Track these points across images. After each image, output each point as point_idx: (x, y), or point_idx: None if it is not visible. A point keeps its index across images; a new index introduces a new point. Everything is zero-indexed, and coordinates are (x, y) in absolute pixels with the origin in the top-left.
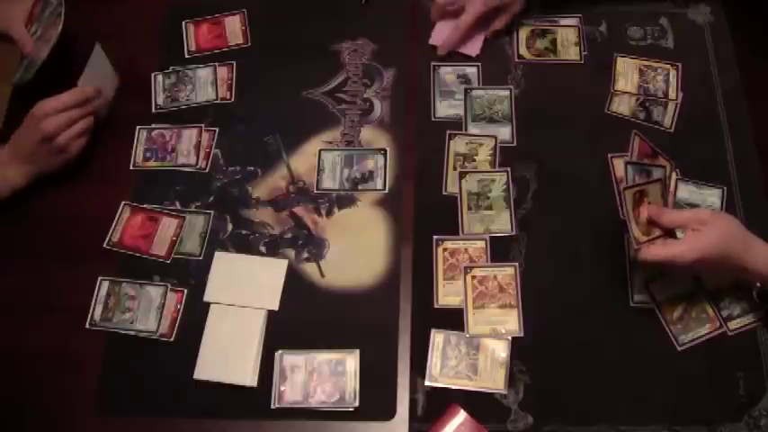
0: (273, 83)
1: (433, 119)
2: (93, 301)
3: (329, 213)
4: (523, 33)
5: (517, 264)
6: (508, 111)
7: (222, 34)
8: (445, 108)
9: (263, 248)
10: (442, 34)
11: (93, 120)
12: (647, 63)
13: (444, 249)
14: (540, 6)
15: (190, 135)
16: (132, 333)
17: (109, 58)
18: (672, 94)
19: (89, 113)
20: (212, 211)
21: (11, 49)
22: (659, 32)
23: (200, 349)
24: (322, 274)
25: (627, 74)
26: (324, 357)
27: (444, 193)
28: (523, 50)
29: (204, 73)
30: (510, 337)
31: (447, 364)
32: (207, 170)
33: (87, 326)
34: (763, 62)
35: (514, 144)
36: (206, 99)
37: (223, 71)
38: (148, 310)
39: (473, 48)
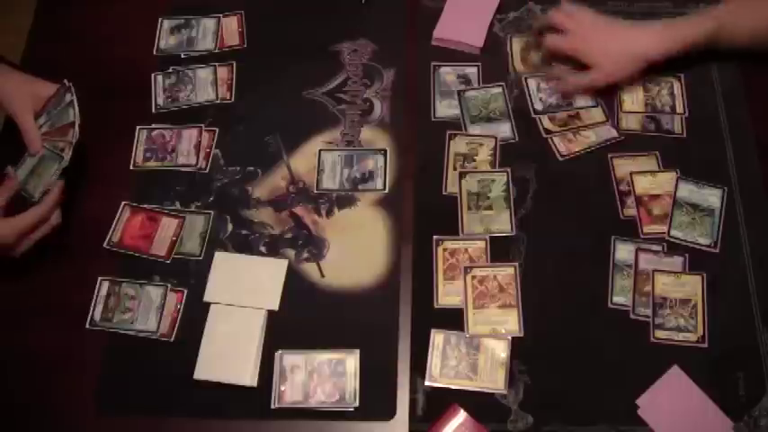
0: (273, 83)
1: (433, 119)
2: (93, 301)
3: (329, 213)
4: (517, 46)
5: (517, 264)
6: (504, 107)
7: None
8: (445, 108)
9: (263, 248)
10: (446, 28)
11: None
12: (649, 77)
13: (444, 249)
14: None
15: (190, 135)
16: (132, 333)
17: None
18: (679, 108)
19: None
20: (212, 211)
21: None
22: None
23: (200, 349)
24: (322, 274)
25: (631, 91)
26: (324, 357)
27: (444, 193)
28: (518, 64)
29: (204, 73)
30: (510, 337)
31: (447, 364)
32: (207, 170)
33: (87, 326)
34: (764, 62)
35: (516, 139)
36: (206, 99)
37: (223, 71)
38: (148, 310)
39: (478, 38)
